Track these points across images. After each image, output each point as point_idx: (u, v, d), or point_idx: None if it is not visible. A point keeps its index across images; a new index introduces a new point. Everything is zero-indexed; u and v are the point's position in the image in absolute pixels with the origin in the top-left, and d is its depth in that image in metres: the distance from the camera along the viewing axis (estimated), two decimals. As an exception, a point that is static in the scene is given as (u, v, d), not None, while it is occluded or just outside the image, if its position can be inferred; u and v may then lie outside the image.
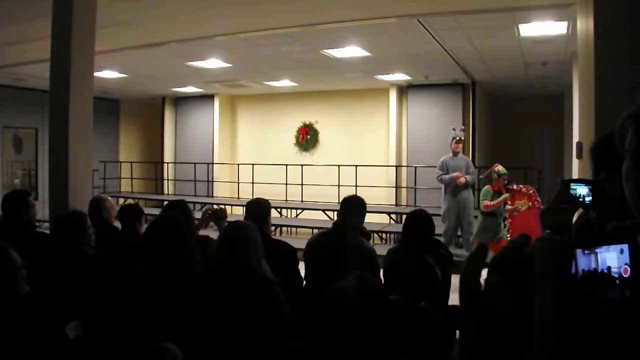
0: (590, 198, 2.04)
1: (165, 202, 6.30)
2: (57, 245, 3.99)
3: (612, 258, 1.29)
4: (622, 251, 1.29)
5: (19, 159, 14.63)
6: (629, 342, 1.23)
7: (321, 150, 15.64)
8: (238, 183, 15.74)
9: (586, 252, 1.29)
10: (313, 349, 2.24)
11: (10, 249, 2.73)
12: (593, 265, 1.29)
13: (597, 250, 1.29)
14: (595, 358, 1.26)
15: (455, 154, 9.32)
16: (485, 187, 8.17)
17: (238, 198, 15.22)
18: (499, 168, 8.11)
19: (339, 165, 13.95)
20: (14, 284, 2.64)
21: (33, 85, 13.07)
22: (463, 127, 10.29)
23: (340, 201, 4.64)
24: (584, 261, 1.29)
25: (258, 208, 4.33)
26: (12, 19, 8.46)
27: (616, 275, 1.28)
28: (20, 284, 2.69)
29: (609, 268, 1.28)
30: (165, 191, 16.99)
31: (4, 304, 2.47)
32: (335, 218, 4.70)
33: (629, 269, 1.27)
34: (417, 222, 4.24)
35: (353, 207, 4.44)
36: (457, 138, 9.37)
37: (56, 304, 3.03)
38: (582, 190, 2.09)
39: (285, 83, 14.08)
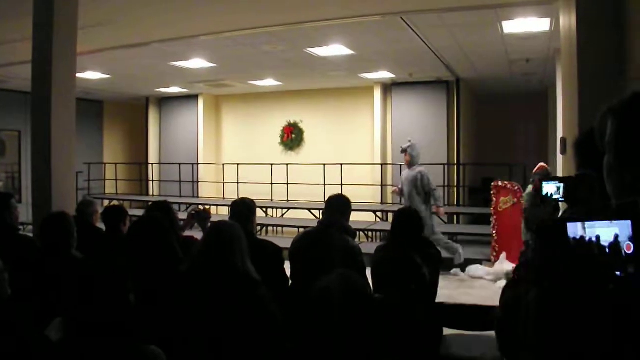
0: (560, 195, 2.06)
1: (150, 203, 6.28)
2: (42, 246, 3.95)
3: (606, 232, 1.27)
4: (621, 226, 1.27)
5: (2, 161, 14.48)
6: (633, 320, 1.21)
7: (306, 149, 15.62)
8: (223, 183, 15.69)
9: (586, 225, 1.28)
10: (299, 348, 2.23)
11: (-8, 252, 2.70)
12: (580, 233, 1.27)
13: (590, 223, 1.28)
14: (600, 336, 1.24)
15: (408, 166, 9.15)
16: (529, 188, 7.63)
17: (223, 198, 15.16)
18: (543, 170, 7.61)
19: (324, 164, 13.93)
20: (-5, 288, 2.60)
21: (16, 87, 12.93)
22: (409, 139, 9.46)
23: (325, 200, 4.63)
24: (572, 231, 1.28)
25: (243, 207, 4.30)
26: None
27: (605, 245, 1.26)
28: (2, 287, 2.66)
29: (597, 237, 1.27)
30: (150, 192, 16.90)
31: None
32: (321, 217, 4.68)
33: (632, 245, 1.26)
34: (405, 220, 4.24)
35: (338, 205, 4.43)
36: (402, 151, 9.23)
37: (40, 307, 3.00)
38: (549, 188, 2.10)
39: (269, 82, 14.05)
